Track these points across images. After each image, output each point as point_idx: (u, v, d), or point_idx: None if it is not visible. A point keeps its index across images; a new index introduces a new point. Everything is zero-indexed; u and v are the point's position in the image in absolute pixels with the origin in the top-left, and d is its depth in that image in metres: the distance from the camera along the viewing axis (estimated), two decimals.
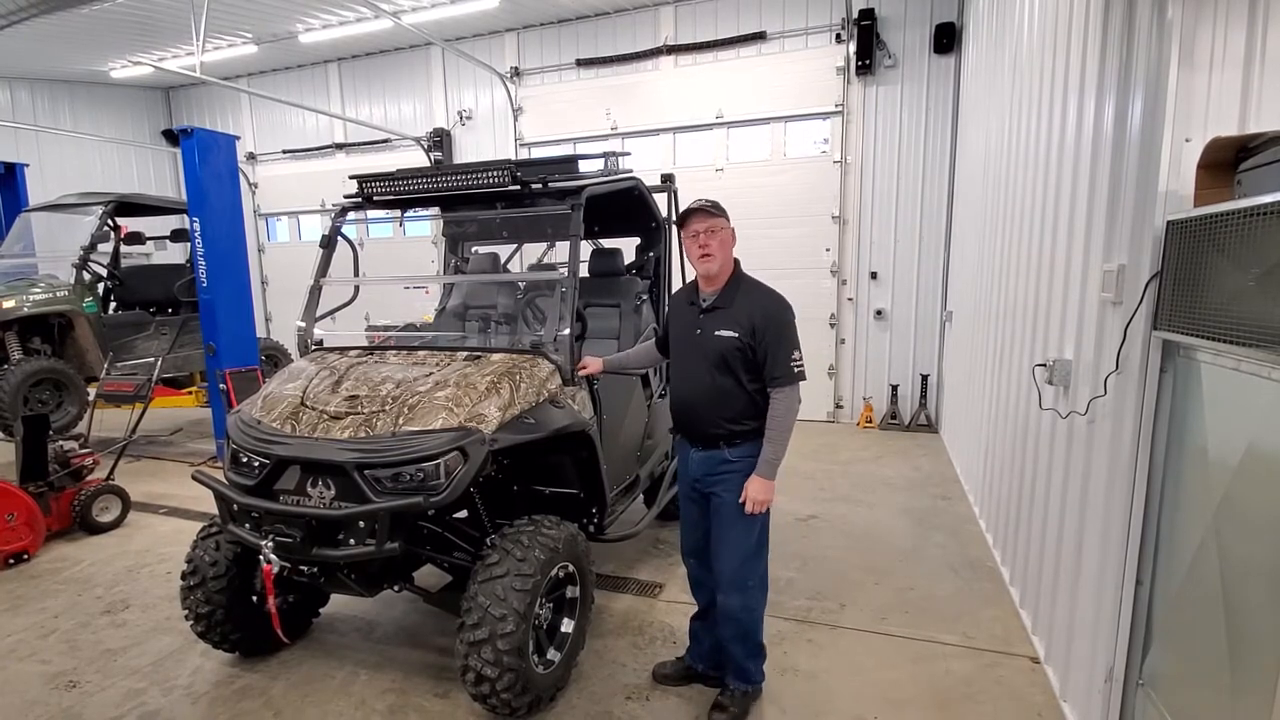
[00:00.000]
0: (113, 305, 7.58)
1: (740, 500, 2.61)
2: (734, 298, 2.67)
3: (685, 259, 4.61)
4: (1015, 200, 4.07)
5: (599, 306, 4.32)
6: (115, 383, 6.46)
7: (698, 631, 3.02)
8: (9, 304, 6.29)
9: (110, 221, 7.10)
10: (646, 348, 3.26)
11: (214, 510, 2.90)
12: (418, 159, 9.68)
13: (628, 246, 4.75)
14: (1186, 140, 2.02)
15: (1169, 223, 2.03)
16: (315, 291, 3.64)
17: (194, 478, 2.92)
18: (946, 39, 7.18)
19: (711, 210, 2.65)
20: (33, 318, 6.48)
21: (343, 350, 3.44)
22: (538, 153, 9.21)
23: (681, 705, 2.89)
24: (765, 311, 2.62)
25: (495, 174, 3.21)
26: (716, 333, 2.63)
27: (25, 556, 4.41)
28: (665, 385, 4.42)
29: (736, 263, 2.75)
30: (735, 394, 2.63)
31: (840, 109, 7.75)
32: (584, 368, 3.18)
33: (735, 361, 2.61)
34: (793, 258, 7.90)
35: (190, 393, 7.75)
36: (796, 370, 2.59)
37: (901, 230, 7.77)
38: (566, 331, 3.13)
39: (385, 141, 10.16)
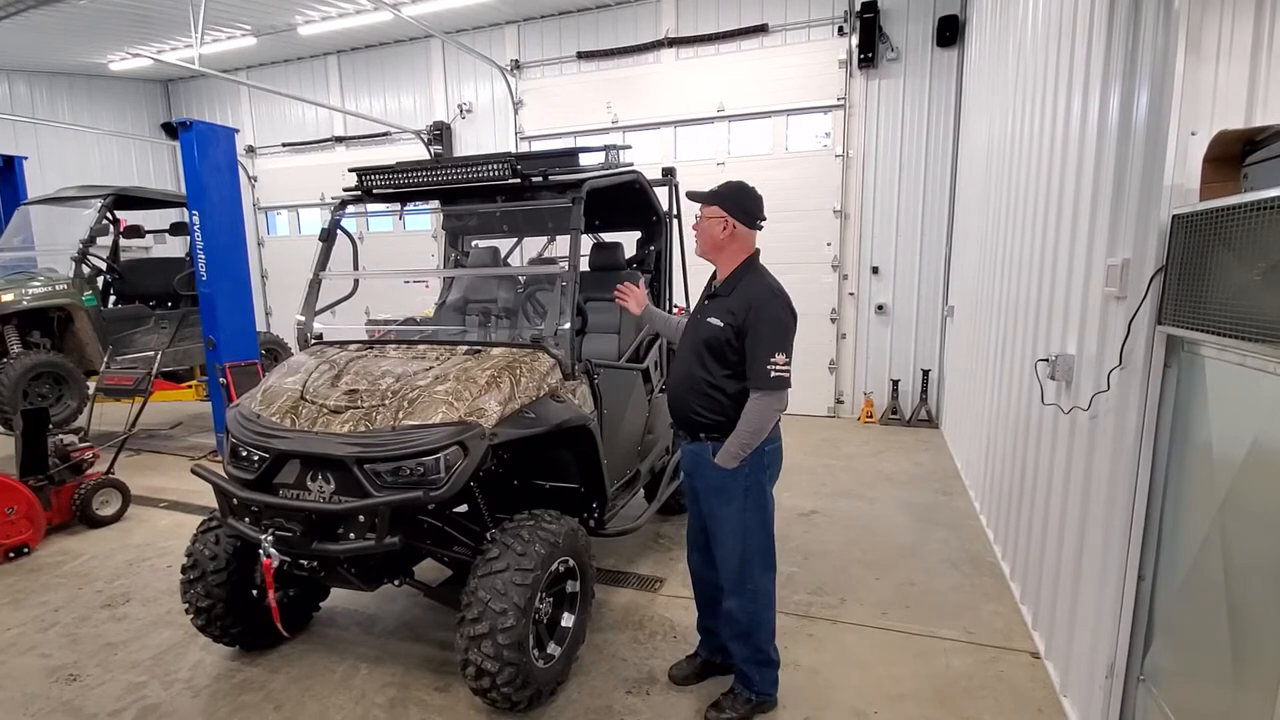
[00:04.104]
0: (112, 299, 7.58)
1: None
2: (734, 288, 2.59)
3: (685, 252, 4.62)
4: (1018, 194, 4.05)
5: (600, 300, 4.30)
6: (115, 376, 6.45)
7: (709, 627, 3.00)
8: (8, 297, 6.29)
9: (109, 215, 7.10)
10: (680, 321, 3.16)
11: (214, 504, 2.90)
12: (418, 152, 9.66)
13: (628, 240, 4.73)
14: (1192, 133, 2.00)
15: (1174, 217, 2.01)
16: (315, 285, 3.63)
17: (194, 472, 2.91)
18: (950, 32, 7.14)
19: (708, 197, 2.63)
20: (32, 311, 6.48)
21: (342, 344, 3.43)
22: (538, 146, 9.18)
23: (682, 700, 2.89)
24: (752, 305, 2.48)
25: (495, 167, 3.19)
26: (707, 319, 2.58)
27: (25, 550, 4.40)
28: (665, 380, 4.41)
29: (755, 252, 2.66)
30: (709, 384, 2.56)
31: (842, 102, 7.71)
32: (625, 291, 3.06)
33: (715, 351, 2.54)
34: (794, 252, 7.86)
35: (190, 386, 7.74)
36: (773, 375, 2.39)
37: (903, 225, 7.74)
38: (567, 325, 3.12)
39: (385, 135, 10.14)
